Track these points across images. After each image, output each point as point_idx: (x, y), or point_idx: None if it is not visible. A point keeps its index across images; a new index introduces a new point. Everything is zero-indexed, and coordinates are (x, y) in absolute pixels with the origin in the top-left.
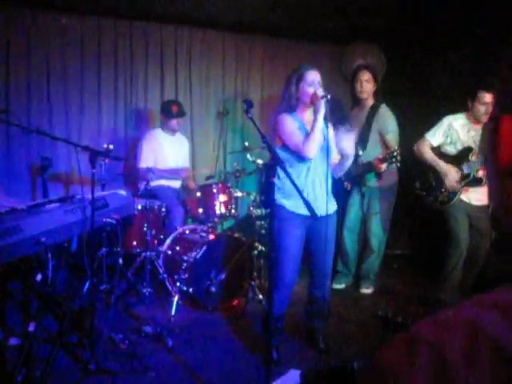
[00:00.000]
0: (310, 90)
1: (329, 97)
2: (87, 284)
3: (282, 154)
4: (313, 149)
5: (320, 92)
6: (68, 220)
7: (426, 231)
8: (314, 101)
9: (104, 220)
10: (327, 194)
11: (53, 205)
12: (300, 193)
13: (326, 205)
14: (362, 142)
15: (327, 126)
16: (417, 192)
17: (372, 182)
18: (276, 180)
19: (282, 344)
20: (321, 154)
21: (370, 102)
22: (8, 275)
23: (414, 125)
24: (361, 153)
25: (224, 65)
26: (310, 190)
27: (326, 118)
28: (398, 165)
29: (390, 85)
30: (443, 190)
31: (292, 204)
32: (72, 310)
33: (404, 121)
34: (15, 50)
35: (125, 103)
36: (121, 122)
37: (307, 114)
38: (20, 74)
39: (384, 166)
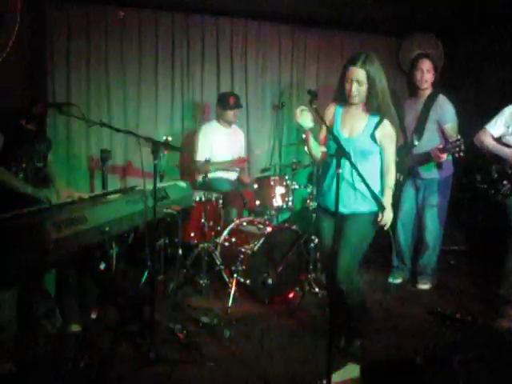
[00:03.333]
0: (347, 87)
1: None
2: (145, 275)
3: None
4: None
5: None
6: (130, 210)
7: (485, 226)
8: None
9: (165, 211)
10: (353, 193)
11: (115, 195)
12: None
13: (348, 203)
14: (417, 132)
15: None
16: (478, 185)
17: (427, 173)
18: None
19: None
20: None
21: (428, 91)
22: (72, 264)
23: (470, 117)
24: (416, 143)
25: (280, 57)
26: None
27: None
28: (462, 154)
29: (446, 76)
30: (505, 182)
31: (321, 198)
32: (133, 299)
33: (460, 113)
34: (75, 44)
35: (181, 95)
36: (177, 114)
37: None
38: (80, 67)
39: (445, 156)
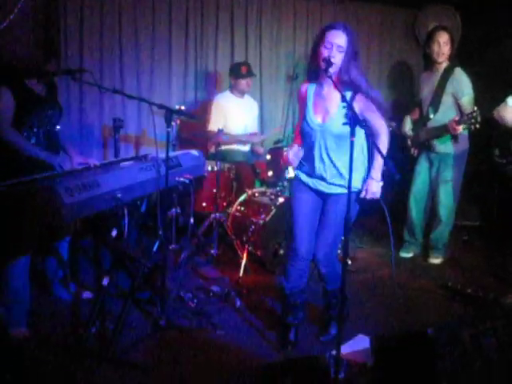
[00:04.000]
0: (324, 52)
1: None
2: (157, 243)
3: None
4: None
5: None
6: (143, 177)
7: (501, 201)
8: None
9: (177, 179)
10: (338, 171)
11: (128, 162)
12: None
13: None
14: (433, 105)
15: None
16: (496, 160)
17: (442, 147)
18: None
19: (302, 323)
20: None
21: (444, 65)
22: (84, 230)
23: (487, 91)
24: (431, 116)
25: (295, 28)
26: (317, 163)
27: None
28: (478, 126)
29: (464, 49)
30: None
31: (302, 172)
32: (144, 266)
33: (477, 87)
34: (88, 11)
35: (195, 65)
36: (191, 85)
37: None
38: (93, 35)
39: (461, 128)
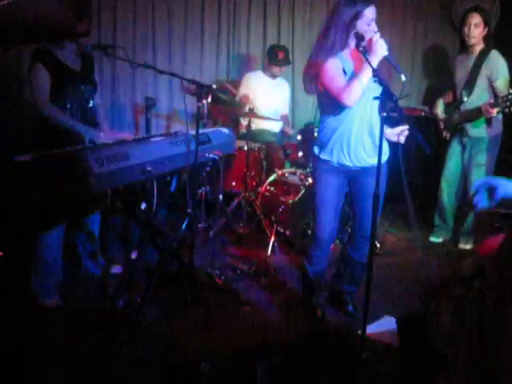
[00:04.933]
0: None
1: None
2: (186, 221)
3: (322, 99)
4: (353, 96)
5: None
6: (173, 151)
7: None
8: (369, 44)
9: (207, 155)
10: (373, 145)
11: (158, 138)
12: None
13: (368, 156)
14: (467, 88)
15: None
16: None
17: (475, 131)
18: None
19: (325, 303)
20: (368, 102)
21: (479, 47)
22: (114, 207)
23: None
24: (465, 99)
25: (328, 11)
26: (352, 139)
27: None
28: None
29: (501, 32)
30: None
31: (329, 153)
32: (173, 240)
33: None
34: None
35: (227, 46)
36: (223, 66)
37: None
38: (127, 15)
39: (495, 112)
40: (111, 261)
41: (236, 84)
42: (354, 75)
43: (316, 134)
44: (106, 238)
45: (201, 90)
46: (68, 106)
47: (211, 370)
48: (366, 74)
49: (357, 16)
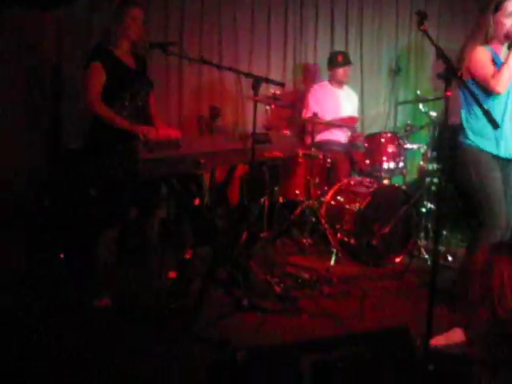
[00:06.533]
0: (508, 23)
1: None
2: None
3: (470, 89)
4: (503, 83)
5: None
6: (228, 146)
7: None
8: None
9: (266, 154)
10: None
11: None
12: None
13: None
14: None
15: None
16: None
17: None
18: (464, 117)
19: None
20: None
21: None
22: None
23: None
24: None
25: (397, 19)
26: (506, 128)
27: None
28: None
29: None
30: None
31: (487, 143)
32: (226, 240)
33: None
34: (189, 5)
35: (293, 57)
36: (289, 76)
37: (502, 49)
38: (193, 26)
39: None
40: (167, 265)
41: (302, 96)
42: (501, 63)
43: (465, 124)
44: (163, 242)
45: (258, 83)
46: (126, 104)
47: (249, 359)
48: None
49: (497, 7)
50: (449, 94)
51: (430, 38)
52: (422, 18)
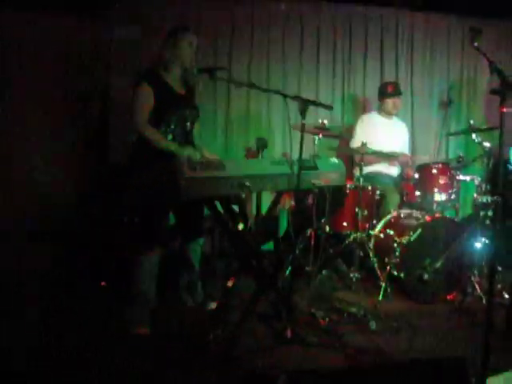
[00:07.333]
0: None
1: None
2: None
3: None
4: None
5: None
6: (274, 171)
7: None
8: None
9: (313, 181)
10: None
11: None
12: None
13: None
14: None
15: None
16: None
17: None
18: None
19: None
20: None
21: None
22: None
23: None
24: None
25: (448, 51)
26: None
27: None
28: None
29: None
30: None
31: None
32: (269, 269)
33: None
34: (238, 34)
35: (342, 88)
36: (337, 107)
37: None
38: (241, 59)
39: None
40: (210, 296)
41: (351, 128)
42: None
43: None
44: (206, 273)
45: (304, 106)
46: (172, 127)
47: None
48: None
49: None
50: (503, 109)
51: (483, 53)
52: (475, 33)
